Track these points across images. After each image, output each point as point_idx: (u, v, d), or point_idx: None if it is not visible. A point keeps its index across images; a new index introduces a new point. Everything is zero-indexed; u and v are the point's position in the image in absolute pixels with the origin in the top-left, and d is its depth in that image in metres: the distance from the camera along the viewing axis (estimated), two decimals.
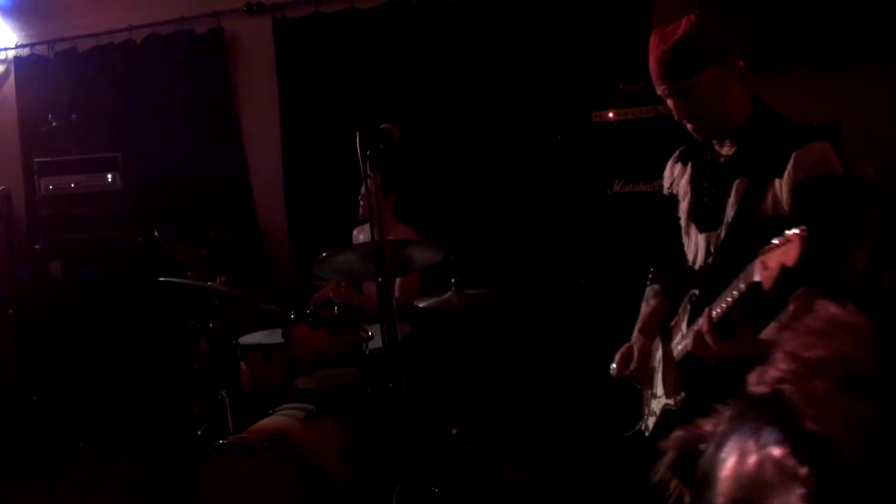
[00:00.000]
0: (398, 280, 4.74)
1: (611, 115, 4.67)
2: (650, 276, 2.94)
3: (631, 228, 4.44)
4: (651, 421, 2.69)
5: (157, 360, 5.85)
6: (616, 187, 4.64)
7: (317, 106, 6.14)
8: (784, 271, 1.93)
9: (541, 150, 5.12)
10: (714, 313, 2.22)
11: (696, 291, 2.49)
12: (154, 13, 6.45)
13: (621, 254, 4.45)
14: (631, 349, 2.73)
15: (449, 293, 4.36)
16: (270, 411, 4.12)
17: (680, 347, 2.51)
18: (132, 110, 6.53)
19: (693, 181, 2.66)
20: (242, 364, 4.37)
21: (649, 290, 2.89)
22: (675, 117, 2.47)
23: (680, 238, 2.73)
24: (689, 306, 2.52)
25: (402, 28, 5.86)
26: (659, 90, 2.46)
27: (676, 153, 2.83)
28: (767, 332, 2.21)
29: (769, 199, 2.37)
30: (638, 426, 2.78)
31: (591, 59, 5.19)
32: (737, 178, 2.45)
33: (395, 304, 4.66)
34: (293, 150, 6.28)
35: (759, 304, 2.17)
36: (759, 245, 2.12)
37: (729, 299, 2.17)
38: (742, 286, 2.12)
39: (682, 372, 2.51)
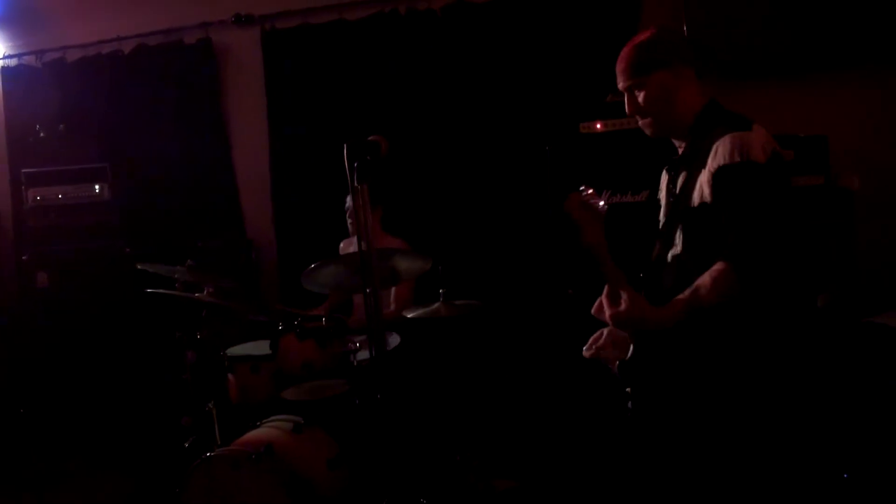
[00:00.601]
0: (393, 290, 4.74)
1: (598, 126, 4.70)
2: None
3: (619, 239, 4.45)
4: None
5: (145, 371, 5.82)
6: (604, 198, 4.64)
7: (305, 116, 6.15)
8: None
9: (529, 161, 5.12)
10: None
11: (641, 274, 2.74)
12: (143, 24, 6.45)
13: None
14: (602, 332, 2.82)
15: (437, 304, 4.35)
16: (258, 423, 4.09)
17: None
18: (120, 121, 6.51)
19: (668, 184, 2.88)
20: (230, 375, 4.35)
21: None
22: (627, 110, 2.82)
23: None
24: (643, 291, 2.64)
25: (391, 39, 5.88)
26: (619, 85, 2.83)
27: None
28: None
29: (697, 189, 2.59)
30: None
31: (579, 70, 5.23)
32: (681, 173, 2.73)
33: (392, 314, 4.70)
34: (281, 160, 6.28)
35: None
36: (694, 232, 2.58)
37: None
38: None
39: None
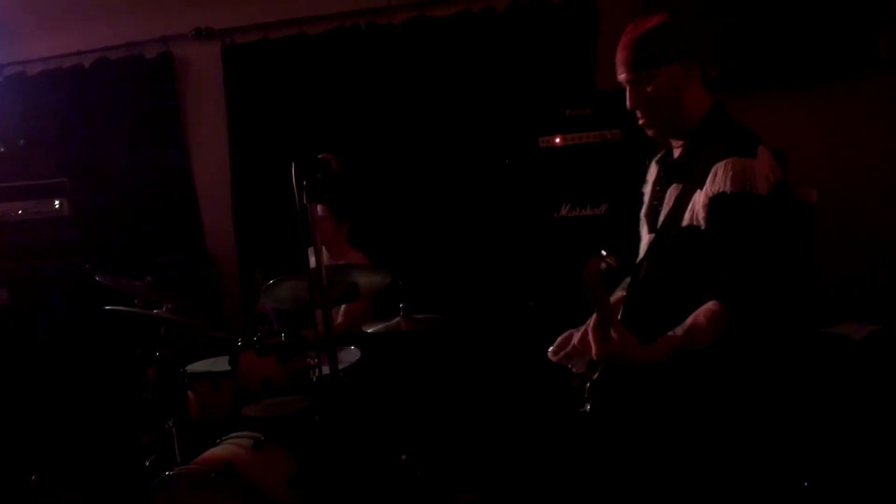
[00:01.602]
0: (343, 306, 4.73)
1: (557, 140, 4.73)
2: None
3: (578, 252, 4.47)
4: (588, 406, 2.70)
5: (106, 388, 5.78)
6: (563, 211, 4.68)
7: (266, 131, 6.15)
8: None
9: (489, 174, 5.14)
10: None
11: (623, 295, 2.61)
12: (103, 38, 6.42)
13: (569, 277, 4.47)
14: (570, 334, 2.69)
15: (397, 318, 4.35)
16: (218, 440, 4.07)
17: None
18: (81, 135, 6.48)
19: (654, 181, 2.75)
20: (190, 393, 4.33)
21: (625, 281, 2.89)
22: (628, 104, 2.56)
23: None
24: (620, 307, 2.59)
25: (352, 54, 5.88)
26: (619, 76, 2.56)
27: (660, 153, 2.85)
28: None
29: (689, 209, 2.42)
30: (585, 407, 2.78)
31: (538, 84, 5.25)
32: (673, 183, 2.54)
33: (342, 329, 4.69)
34: (242, 175, 6.27)
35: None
36: (678, 253, 2.40)
37: None
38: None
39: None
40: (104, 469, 5.50)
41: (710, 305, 2.27)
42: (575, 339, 2.61)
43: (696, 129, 2.55)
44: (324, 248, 4.79)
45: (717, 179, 2.35)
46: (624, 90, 2.60)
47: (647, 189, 2.81)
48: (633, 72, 2.50)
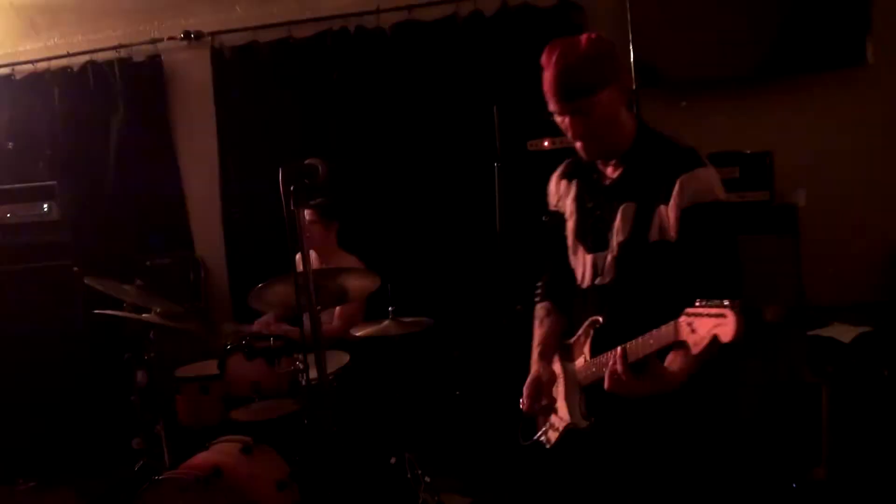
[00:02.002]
0: (337, 308, 4.73)
1: (546, 143, 4.74)
2: (538, 292, 2.95)
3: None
4: (552, 434, 2.72)
5: (94, 392, 5.78)
6: None
7: (254, 134, 6.15)
8: (715, 343, 1.97)
9: (478, 178, 5.14)
10: (627, 356, 2.27)
11: (600, 319, 2.52)
12: (92, 41, 6.42)
13: None
14: (538, 382, 2.72)
15: (387, 322, 4.36)
16: (207, 444, 4.07)
17: (585, 375, 2.55)
18: (69, 138, 6.46)
19: (578, 200, 2.68)
20: (179, 396, 4.33)
21: (540, 308, 2.91)
22: (570, 136, 2.47)
23: (565, 255, 2.75)
24: (591, 331, 2.56)
25: (340, 57, 5.88)
26: (555, 108, 2.43)
27: (561, 168, 2.84)
28: (669, 360, 2.30)
29: (656, 224, 2.43)
30: (537, 437, 2.80)
31: (526, 88, 5.25)
32: (623, 203, 2.49)
33: (335, 332, 4.69)
34: (231, 178, 6.27)
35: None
36: (648, 269, 2.40)
37: (649, 347, 2.21)
38: (660, 342, 2.18)
39: (588, 397, 2.56)
40: (93, 473, 5.50)
41: None
42: (545, 389, 2.69)
43: (633, 148, 2.53)
44: (313, 253, 4.79)
45: (687, 191, 2.38)
46: None
47: (567, 207, 2.73)
48: (575, 100, 2.38)
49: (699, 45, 5.09)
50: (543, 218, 2.87)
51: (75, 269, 5.82)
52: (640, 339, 2.24)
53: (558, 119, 2.48)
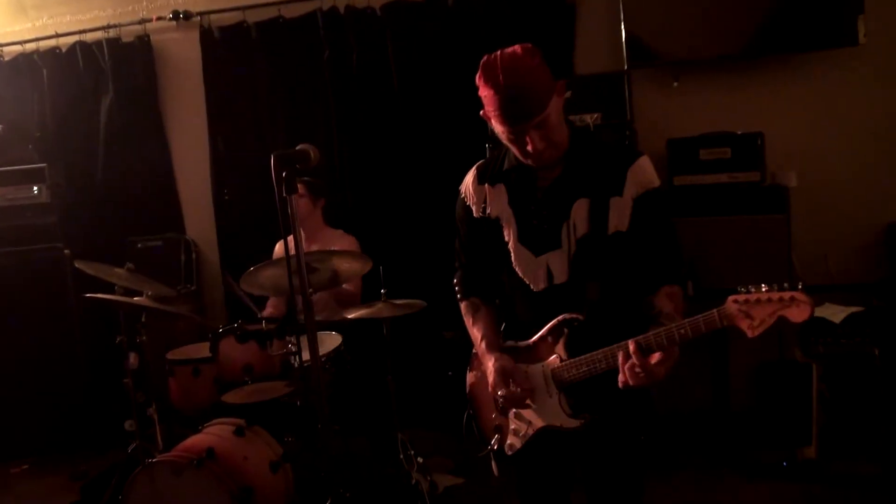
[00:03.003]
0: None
1: None
2: (458, 290, 2.92)
3: None
4: (516, 440, 2.69)
5: (87, 375, 5.78)
6: None
7: (244, 115, 6.13)
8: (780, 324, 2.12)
9: (469, 159, 5.10)
10: (643, 350, 2.30)
11: (580, 317, 2.51)
12: (81, 21, 6.38)
13: None
14: (505, 369, 2.63)
15: (379, 304, 4.37)
16: (200, 427, 4.07)
17: (569, 375, 2.53)
18: (58, 120, 6.43)
19: (514, 205, 2.64)
20: (171, 379, 4.33)
21: (469, 305, 2.87)
22: (531, 148, 2.43)
23: (491, 255, 2.73)
24: (566, 330, 2.54)
25: (330, 37, 5.85)
26: (514, 127, 2.41)
27: (474, 175, 2.79)
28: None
29: (612, 217, 2.48)
30: (493, 446, 2.76)
31: None
32: (575, 199, 2.51)
33: (350, 295, 4.70)
34: (221, 159, 6.24)
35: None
36: (608, 261, 2.47)
37: (679, 338, 2.26)
38: (699, 330, 2.23)
39: (573, 396, 2.56)
40: (86, 455, 5.51)
41: (668, 290, 2.47)
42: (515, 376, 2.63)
43: (571, 148, 2.55)
44: (301, 232, 4.79)
45: (638, 180, 2.49)
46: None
47: (501, 212, 2.67)
48: (535, 118, 2.37)
49: (691, 24, 5.07)
50: None
51: (66, 251, 5.80)
52: (662, 330, 2.28)
53: (511, 137, 2.46)
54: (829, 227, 5.09)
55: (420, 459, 4.58)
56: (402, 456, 4.54)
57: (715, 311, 2.20)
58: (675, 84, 5.26)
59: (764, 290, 2.13)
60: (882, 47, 4.92)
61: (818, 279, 4.97)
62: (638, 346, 2.29)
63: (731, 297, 2.17)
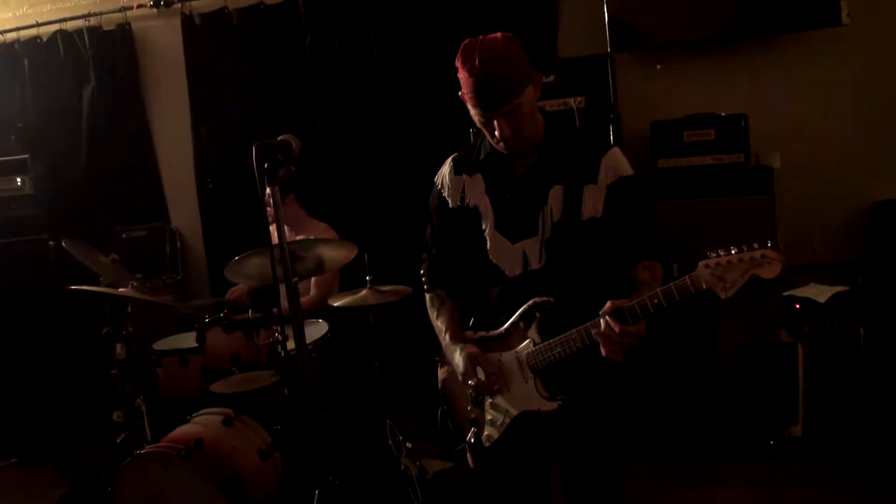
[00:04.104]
0: (313, 278, 4.72)
1: None
2: (425, 281, 2.94)
3: None
4: (493, 431, 2.69)
5: (74, 367, 5.77)
6: None
7: (227, 102, 6.12)
8: (754, 283, 2.16)
9: (452, 144, 5.09)
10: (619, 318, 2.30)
11: (550, 299, 2.53)
12: (62, 9, 6.37)
13: None
14: (474, 355, 2.66)
15: (364, 291, 4.37)
16: (188, 417, 4.08)
17: (543, 358, 2.54)
18: (40, 110, 6.41)
19: (492, 194, 2.67)
20: (158, 370, 4.32)
21: (434, 297, 2.90)
22: (499, 134, 2.47)
23: (463, 246, 2.75)
24: (537, 314, 2.56)
25: (312, 23, 5.84)
26: (485, 112, 2.46)
27: (450, 166, 2.81)
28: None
29: (586, 203, 2.52)
30: (469, 439, 2.76)
31: None
32: (550, 186, 2.55)
33: (313, 301, 4.69)
34: (204, 147, 6.24)
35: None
36: (583, 246, 2.51)
37: (653, 307, 2.27)
38: (671, 298, 2.24)
39: (549, 378, 2.58)
40: (74, 447, 5.50)
41: (647, 264, 2.52)
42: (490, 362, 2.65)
43: (547, 137, 2.60)
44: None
45: (611, 168, 2.55)
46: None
47: (479, 201, 2.69)
48: (507, 104, 2.41)
49: (674, 6, 5.05)
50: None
51: (50, 242, 5.79)
52: (633, 300, 2.29)
53: (482, 121, 2.51)
54: (814, 207, 5.10)
55: (409, 445, 4.60)
56: (390, 442, 4.56)
57: (687, 276, 2.22)
58: (659, 67, 5.27)
59: (734, 251, 2.16)
60: (865, 27, 4.92)
61: (803, 259, 4.98)
62: (614, 314, 2.30)
63: (701, 262, 2.20)
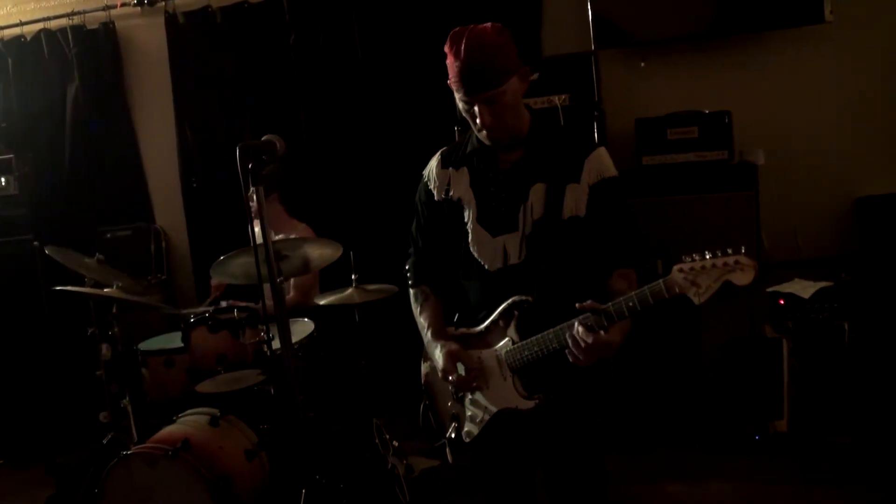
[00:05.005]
0: (292, 280, 4.71)
1: None
2: (410, 276, 2.95)
3: None
4: (473, 427, 2.71)
5: (60, 368, 5.75)
6: None
7: (211, 101, 6.11)
8: (726, 289, 2.17)
9: (437, 142, 5.09)
10: (591, 314, 2.32)
11: (529, 298, 2.53)
12: (45, 8, 6.34)
13: None
14: (456, 353, 2.66)
15: (350, 289, 4.37)
16: (174, 418, 4.07)
17: (521, 357, 2.55)
18: (24, 109, 6.38)
19: (476, 187, 2.68)
20: (144, 370, 4.32)
21: (418, 293, 2.91)
22: (479, 123, 2.50)
23: (448, 240, 2.76)
24: (516, 312, 2.56)
25: (295, 21, 5.83)
26: (467, 97, 2.47)
27: (438, 159, 2.83)
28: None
29: (567, 202, 2.53)
30: (449, 434, 2.77)
31: None
32: (533, 183, 2.56)
33: (292, 302, 4.68)
34: (189, 146, 6.22)
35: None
36: (563, 245, 2.51)
37: (628, 311, 2.29)
38: (646, 302, 2.26)
39: (527, 377, 2.59)
40: (61, 448, 5.48)
41: (622, 273, 2.54)
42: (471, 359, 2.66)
43: (531, 133, 2.62)
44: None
45: (594, 169, 2.55)
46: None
47: (463, 194, 2.71)
48: (488, 91, 2.43)
49: (657, 3, 5.06)
50: None
51: (35, 243, 5.76)
52: (610, 304, 2.30)
53: (466, 108, 2.52)
54: (798, 203, 5.13)
55: (395, 443, 4.61)
56: (377, 440, 4.56)
57: (661, 280, 2.23)
58: (643, 64, 5.27)
59: (708, 256, 2.16)
60: (848, 25, 4.93)
61: (787, 255, 5.01)
62: (585, 321, 2.32)
63: (676, 266, 2.20)
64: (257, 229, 2.85)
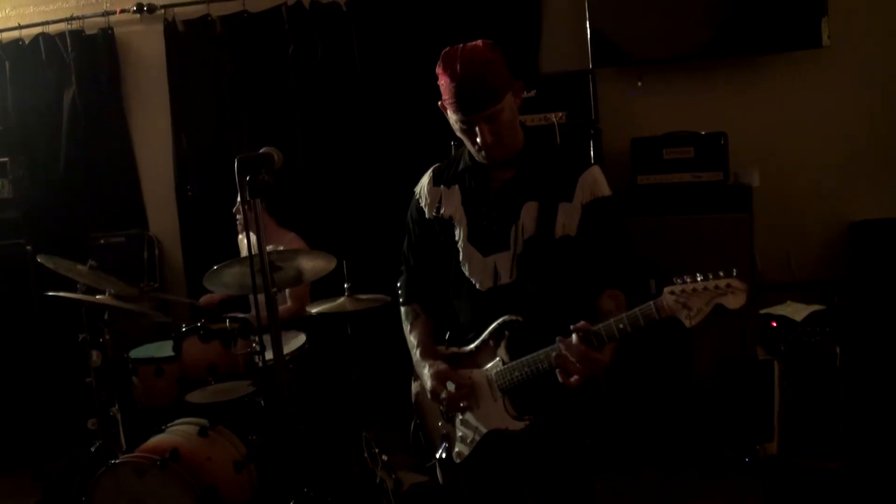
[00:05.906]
0: (287, 290, 4.70)
1: None
2: (401, 294, 2.94)
3: None
4: (463, 448, 2.69)
5: (49, 374, 5.73)
6: None
7: (208, 109, 6.10)
8: (717, 312, 2.16)
9: (433, 154, 5.09)
10: (584, 335, 2.30)
11: (519, 318, 2.52)
12: (44, 12, 6.32)
13: None
14: (444, 371, 2.64)
15: (342, 299, 4.36)
16: (163, 427, 4.06)
17: (512, 378, 2.53)
18: (21, 113, 6.36)
19: (467, 205, 2.67)
20: (134, 378, 4.30)
21: (409, 311, 2.90)
22: (479, 142, 2.47)
23: (439, 258, 2.74)
24: (506, 333, 2.54)
25: (294, 31, 5.84)
26: (466, 116, 2.44)
27: (430, 177, 2.82)
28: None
29: (560, 221, 2.51)
30: (440, 455, 2.75)
31: None
32: (525, 202, 2.54)
33: (290, 312, 4.67)
34: (184, 154, 6.21)
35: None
36: (554, 264, 2.49)
37: (619, 332, 2.28)
38: (636, 324, 2.25)
39: (517, 397, 2.57)
40: (49, 455, 5.46)
41: (611, 293, 2.52)
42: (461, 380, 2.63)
43: (526, 151, 2.60)
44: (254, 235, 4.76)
45: (588, 188, 2.54)
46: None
47: (454, 213, 2.69)
48: (488, 108, 2.40)
49: (656, 23, 5.07)
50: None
51: (28, 247, 5.75)
52: (601, 325, 2.29)
53: (463, 127, 2.49)
54: (792, 226, 5.15)
55: (385, 457, 4.60)
56: (366, 454, 4.55)
57: (652, 302, 2.22)
58: (640, 84, 5.28)
59: (699, 279, 2.16)
60: (846, 49, 4.96)
61: (781, 277, 5.02)
62: (581, 335, 2.30)
63: (667, 289, 2.20)
64: (249, 240, 2.84)
